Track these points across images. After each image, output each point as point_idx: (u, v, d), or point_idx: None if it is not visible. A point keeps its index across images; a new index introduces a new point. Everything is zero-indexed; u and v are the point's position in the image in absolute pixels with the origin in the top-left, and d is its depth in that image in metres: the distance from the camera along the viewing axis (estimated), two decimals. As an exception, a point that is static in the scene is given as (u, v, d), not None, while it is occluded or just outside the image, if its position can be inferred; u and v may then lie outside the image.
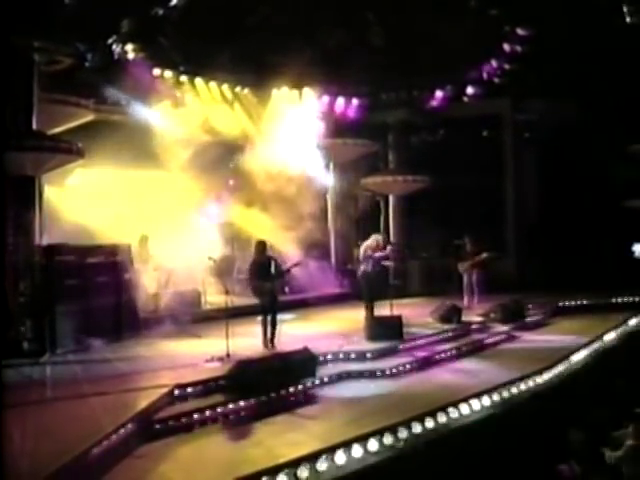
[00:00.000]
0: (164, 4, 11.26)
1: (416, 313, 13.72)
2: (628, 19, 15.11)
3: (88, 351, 10.83)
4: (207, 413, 8.10)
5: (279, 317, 11.08)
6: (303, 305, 15.68)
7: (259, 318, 11.00)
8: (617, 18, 15.03)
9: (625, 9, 15.06)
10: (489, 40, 14.43)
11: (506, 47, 14.63)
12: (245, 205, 16.52)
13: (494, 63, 15.33)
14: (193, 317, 12.95)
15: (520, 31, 14.08)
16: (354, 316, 13.94)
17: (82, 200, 15.18)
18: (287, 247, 17.21)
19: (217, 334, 11.28)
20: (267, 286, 10.59)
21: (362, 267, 12.49)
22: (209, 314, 13.36)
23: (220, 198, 16.37)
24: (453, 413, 8.56)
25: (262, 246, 10.95)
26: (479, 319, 13.53)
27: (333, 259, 18.38)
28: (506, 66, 15.26)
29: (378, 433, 7.54)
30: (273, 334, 10.76)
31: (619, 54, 15.39)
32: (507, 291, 16.09)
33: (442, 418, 8.39)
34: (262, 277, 10.62)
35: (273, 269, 10.60)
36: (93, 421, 7.06)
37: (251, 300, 14.95)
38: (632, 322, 14.30)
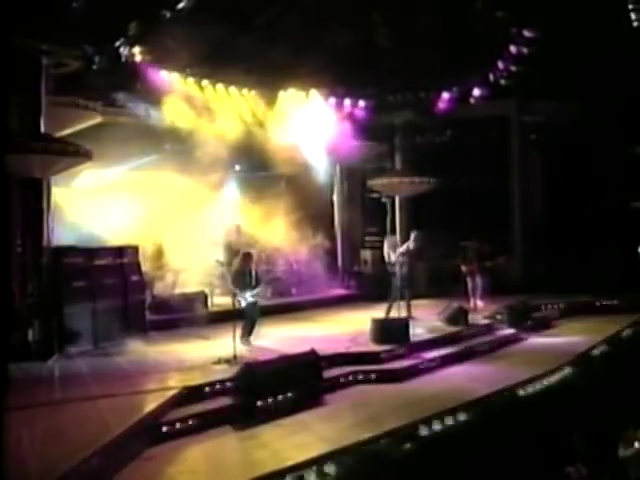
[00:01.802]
0: (171, 7, 11.29)
1: (422, 314, 13.73)
2: (635, 24, 15.11)
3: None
4: (214, 415, 8.13)
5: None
6: (309, 306, 15.64)
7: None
8: (623, 22, 15.03)
9: (632, 16, 15.07)
10: (495, 42, 14.42)
11: (512, 49, 14.61)
12: (252, 207, 16.53)
13: (500, 65, 15.30)
14: (200, 318, 12.93)
15: (527, 33, 14.06)
16: (360, 317, 13.97)
17: (89, 201, 15.27)
18: (293, 248, 17.32)
19: (224, 335, 11.30)
20: (246, 295, 11.16)
21: (396, 268, 13.58)
22: (216, 315, 13.37)
23: (227, 200, 16.36)
24: (460, 416, 8.59)
25: (247, 257, 11.55)
26: (486, 321, 13.53)
27: (340, 260, 18.36)
28: (512, 68, 15.23)
29: (385, 436, 7.57)
30: (250, 333, 11.24)
31: (625, 56, 15.36)
32: (513, 292, 16.13)
33: (449, 421, 8.42)
34: (241, 286, 11.20)
35: (254, 280, 11.25)
36: (101, 423, 7.10)
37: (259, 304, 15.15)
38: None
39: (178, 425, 7.73)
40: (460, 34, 13.56)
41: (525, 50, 14.49)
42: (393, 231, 18.75)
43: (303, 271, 17.07)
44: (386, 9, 13.61)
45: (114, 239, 14.14)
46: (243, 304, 11.19)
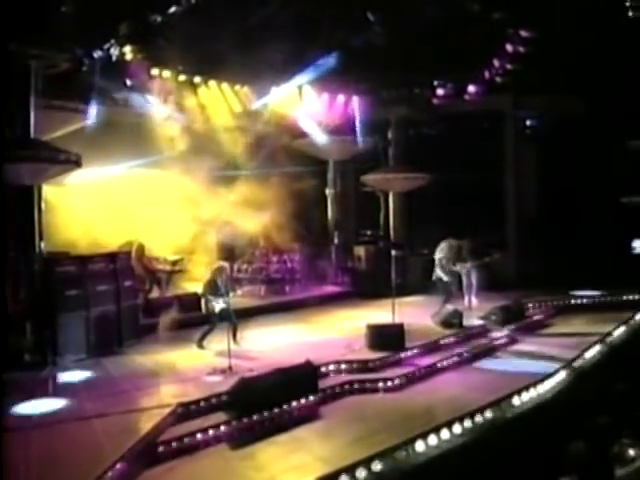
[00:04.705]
0: (162, 11, 11.09)
1: (417, 315, 13.60)
2: (630, 13, 14.96)
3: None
4: (210, 433, 8.07)
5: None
6: (303, 305, 15.57)
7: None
8: (619, 13, 14.89)
9: (628, 3, 14.92)
10: (492, 41, 14.26)
11: (509, 48, 14.46)
12: (244, 204, 16.38)
13: (496, 63, 15.17)
14: (193, 322, 12.84)
15: (523, 33, 13.90)
16: (355, 317, 13.99)
17: (80, 199, 15.12)
18: (287, 245, 17.25)
19: (217, 340, 11.29)
20: (219, 301, 11.61)
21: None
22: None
23: (219, 198, 16.18)
24: (456, 429, 8.59)
25: (221, 269, 12.01)
26: (480, 322, 13.46)
27: (333, 256, 18.28)
28: (508, 66, 15.10)
29: (382, 454, 7.54)
30: (235, 335, 11.58)
31: (620, 49, 15.23)
32: (508, 288, 16.15)
33: (445, 435, 8.41)
34: (212, 293, 11.70)
35: (223, 290, 11.69)
36: (96, 448, 7.05)
37: (252, 302, 15.19)
38: (631, 323, 14.21)
39: (174, 445, 7.66)
40: (456, 33, 13.38)
41: (521, 49, 14.32)
42: (387, 226, 18.75)
43: (297, 268, 17.00)
44: (382, 7, 13.39)
45: (106, 236, 14.13)
46: (217, 310, 11.60)
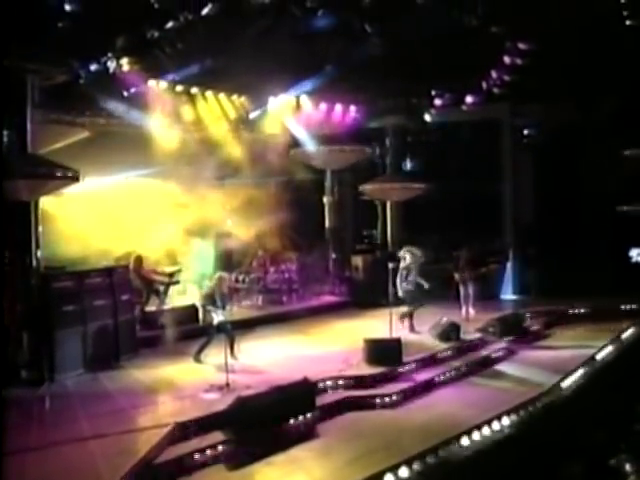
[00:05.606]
0: (159, 26, 11.07)
1: (414, 326, 13.67)
2: (627, 22, 14.97)
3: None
4: (207, 452, 8.07)
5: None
6: (300, 315, 15.51)
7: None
8: (616, 22, 14.91)
9: (625, 12, 14.93)
10: (489, 53, 14.27)
11: (506, 59, 14.47)
12: (242, 213, 16.38)
13: (494, 74, 15.19)
14: (190, 334, 12.81)
15: (521, 45, 13.91)
16: (353, 328, 13.97)
17: (78, 209, 15.08)
18: (284, 254, 17.25)
19: (215, 353, 11.23)
20: (218, 313, 11.54)
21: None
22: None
23: (216, 207, 16.17)
24: (454, 447, 8.59)
25: (222, 280, 11.90)
26: (477, 335, 13.44)
27: (330, 266, 18.23)
28: (506, 77, 15.11)
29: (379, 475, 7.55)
30: (232, 347, 11.43)
31: (617, 58, 15.26)
32: (505, 298, 16.16)
33: (443, 453, 8.41)
34: (211, 305, 11.66)
35: (221, 302, 11.62)
36: (93, 473, 7.00)
37: (250, 313, 15.19)
38: (627, 334, 14.22)
39: (170, 467, 7.65)
40: (454, 44, 13.37)
41: (519, 61, 14.33)
42: (384, 235, 18.75)
43: (294, 278, 16.98)
44: (380, 19, 13.38)
45: (103, 246, 14.10)
46: (215, 322, 11.50)
